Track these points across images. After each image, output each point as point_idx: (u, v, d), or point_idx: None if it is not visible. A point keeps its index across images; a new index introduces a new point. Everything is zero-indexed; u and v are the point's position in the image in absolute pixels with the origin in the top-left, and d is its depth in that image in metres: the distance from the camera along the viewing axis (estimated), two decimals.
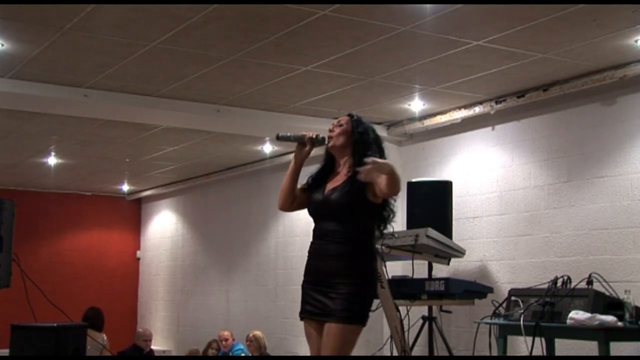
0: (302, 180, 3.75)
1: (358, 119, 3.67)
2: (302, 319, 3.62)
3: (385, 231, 3.67)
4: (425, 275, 6.10)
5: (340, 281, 3.43)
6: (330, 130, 3.66)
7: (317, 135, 3.67)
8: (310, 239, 3.64)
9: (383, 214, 3.58)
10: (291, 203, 3.72)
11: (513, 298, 5.04)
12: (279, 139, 3.74)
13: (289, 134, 3.71)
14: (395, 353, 5.58)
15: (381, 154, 3.62)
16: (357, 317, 3.44)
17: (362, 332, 3.55)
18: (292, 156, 3.75)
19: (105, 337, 7.72)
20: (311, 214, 3.66)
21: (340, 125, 3.65)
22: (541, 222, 6.04)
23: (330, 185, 3.59)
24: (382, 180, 3.30)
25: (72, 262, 11.95)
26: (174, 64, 5.43)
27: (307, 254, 3.64)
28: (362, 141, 3.59)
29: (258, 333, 8.36)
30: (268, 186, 9.36)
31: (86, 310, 7.91)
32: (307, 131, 3.74)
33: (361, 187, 3.46)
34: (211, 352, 8.84)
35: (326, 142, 3.66)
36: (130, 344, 9.26)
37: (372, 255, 3.58)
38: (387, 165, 3.25)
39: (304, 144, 3.67)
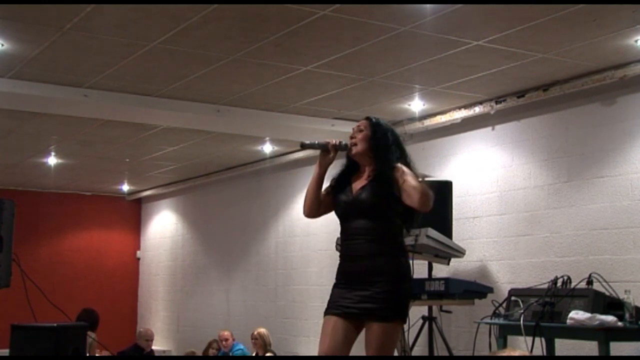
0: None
1: (377, 122, 3.73)
2: (327, 314, 3.62)
3: (411, 229, 3.72)
4: (425, 275, 6.10)
5: (378, 279, 3.49)
6: (352, 137, 3.72)
7: (340, 142, 3.72)
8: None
9: (409, 210, 3.62)
10: (317, 209, 3.77)
11: (513, 298, 5.04)
12: (304, 147, 3.81)
13: (313, 142, 3.75)
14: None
15: (403, 154, 3.69)
16: (397, 314, 3.52)
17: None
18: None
19: (94, 335, 7.69)
20: (339, 214, 3.71)
21: (361, 131, 3.70)
22: (541, 222, 6.04)
23: (356, 186, 3.66)
24: (413, 194, 3.43)
25: (72, 262, 11.95)
26: (174, 64, 5.43)
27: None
28: (382, 145, 3.65)
29: (263, 330, 8.36)
30: (268, 186, 9.36)
31: (79, 312, 7.89)
32: (331, 138, 3.78)
33: (389, 184, 3.53)
34: (211, 352, 8.85)
35: (349, 148, 3.71)
36: (130, 343, 9.26)
37: (404, 250, 3.66)
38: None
39: (327, 151, 3.71)
